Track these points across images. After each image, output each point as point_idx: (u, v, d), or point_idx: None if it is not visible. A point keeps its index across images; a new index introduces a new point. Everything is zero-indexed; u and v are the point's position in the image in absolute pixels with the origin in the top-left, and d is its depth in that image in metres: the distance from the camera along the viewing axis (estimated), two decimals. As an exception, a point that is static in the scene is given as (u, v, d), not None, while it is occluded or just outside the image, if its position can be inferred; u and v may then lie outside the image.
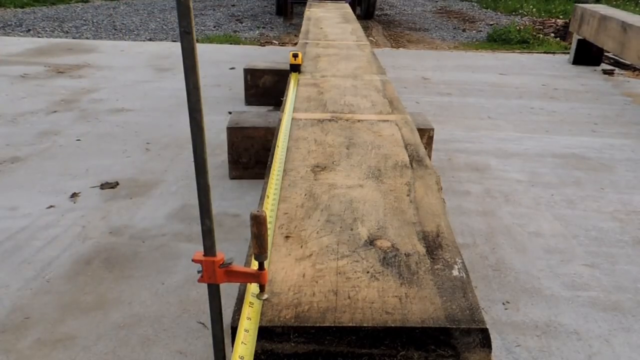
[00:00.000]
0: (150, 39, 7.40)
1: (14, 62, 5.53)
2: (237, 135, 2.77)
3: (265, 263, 0.93)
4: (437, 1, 12.91)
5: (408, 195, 1.33)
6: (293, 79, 2.47)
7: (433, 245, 1.14)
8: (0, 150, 3.21)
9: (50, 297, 1.88)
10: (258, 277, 0.92)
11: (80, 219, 2.43)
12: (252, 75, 4.10)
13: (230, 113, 4.08)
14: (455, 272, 1.05)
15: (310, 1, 6.55)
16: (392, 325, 0.91)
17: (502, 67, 5.92)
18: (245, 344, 0.88)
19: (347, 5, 5.83)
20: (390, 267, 1.07)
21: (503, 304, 1.94)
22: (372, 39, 7.57)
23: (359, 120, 1.88)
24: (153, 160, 3.12)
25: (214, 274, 0.90)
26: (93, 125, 3.70)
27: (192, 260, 0.88)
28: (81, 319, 1.76)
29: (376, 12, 10.11)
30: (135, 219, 2.44)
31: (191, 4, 0.78)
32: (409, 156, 1.57)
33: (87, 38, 7.40)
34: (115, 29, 8.21)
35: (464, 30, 8.91)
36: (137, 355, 1.61)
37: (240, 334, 0.89)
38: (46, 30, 7.89)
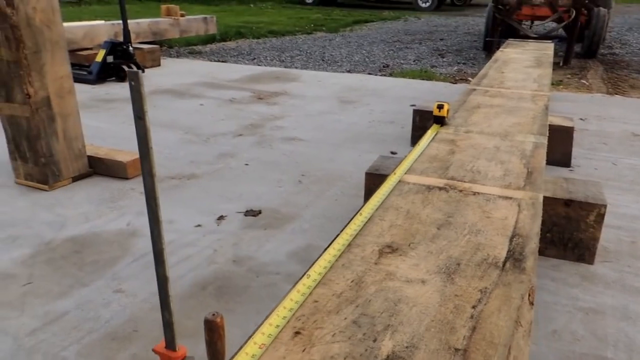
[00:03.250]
0: (349, 71, 7.77)
1: (230, 87, 6.38)
2: (375, 182, 2.68)
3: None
4: (689, 38, 10.80)
5: (474, 307, 1.06)
6: (431, 132, 2.28)
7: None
8: (185, 166, 3.70)
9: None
10: (212, 386, 0.84)
11: (216, 242, 2.63)
12: (421, 117, 3.97)
13: (392, 153, 4.02)
14: None
15: (511, 40, 6.08)
16: None
17: None
18: None
19: (551, 45, 5.24)
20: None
21: None
22: (584, 82, 6.67)
23: (474, 193, 1.62)
24: (301, 193, 3.23)
25: (169, 369, 0.85)
26: (265, 151, 4.01)
27: (152, 350, 0.84)
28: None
29: (601, 51, 8.91)
30: (260, 252, 2.53)
31: (143, 90, 0.75)
32: (507, 251, 1.28)
33: (296, 67, 8.13)
34: (323, 60, 8.85)
35: None
36: (200, 396, 1.64)
37: None
38: (267, 59, 8.91)
